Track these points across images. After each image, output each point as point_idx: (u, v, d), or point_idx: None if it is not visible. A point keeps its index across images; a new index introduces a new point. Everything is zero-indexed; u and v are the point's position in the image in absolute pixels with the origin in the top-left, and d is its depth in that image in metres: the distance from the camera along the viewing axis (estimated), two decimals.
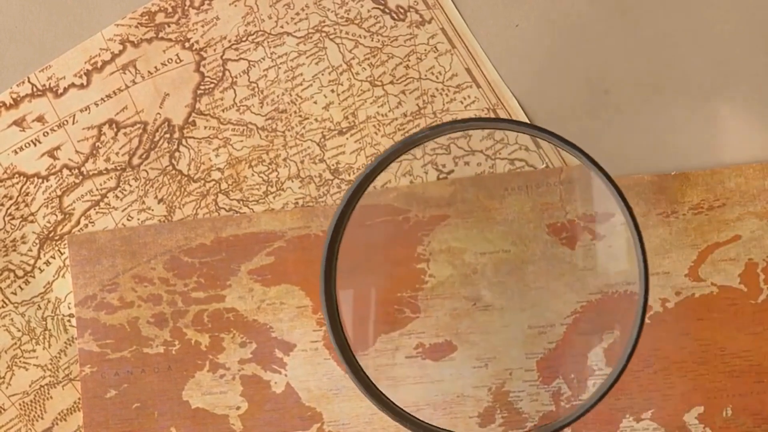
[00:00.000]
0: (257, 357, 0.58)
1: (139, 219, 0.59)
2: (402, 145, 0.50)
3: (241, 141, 0.59)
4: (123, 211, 0.59)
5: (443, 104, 0.58)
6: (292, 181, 0.59)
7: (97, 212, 0.59)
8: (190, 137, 0.59)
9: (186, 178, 0.59)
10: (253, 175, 0.59)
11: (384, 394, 0.50)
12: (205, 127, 0.59)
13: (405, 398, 0.54)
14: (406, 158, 0.57)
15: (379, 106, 0.59)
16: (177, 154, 0.59)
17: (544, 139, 0.50)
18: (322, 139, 0.59)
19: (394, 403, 0.50)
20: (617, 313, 0.54)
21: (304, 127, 0.59)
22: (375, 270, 0.56)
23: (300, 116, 0.59)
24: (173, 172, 0.59)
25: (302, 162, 0.59)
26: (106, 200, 0.59)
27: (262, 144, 0.59)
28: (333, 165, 0.59)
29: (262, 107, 0.59)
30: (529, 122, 0.56)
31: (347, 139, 0.59)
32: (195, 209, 0.59)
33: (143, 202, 0.59)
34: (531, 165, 0.57)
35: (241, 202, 0.59)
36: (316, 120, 0.59)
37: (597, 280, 0.52)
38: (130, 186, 0.59)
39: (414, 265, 0.56)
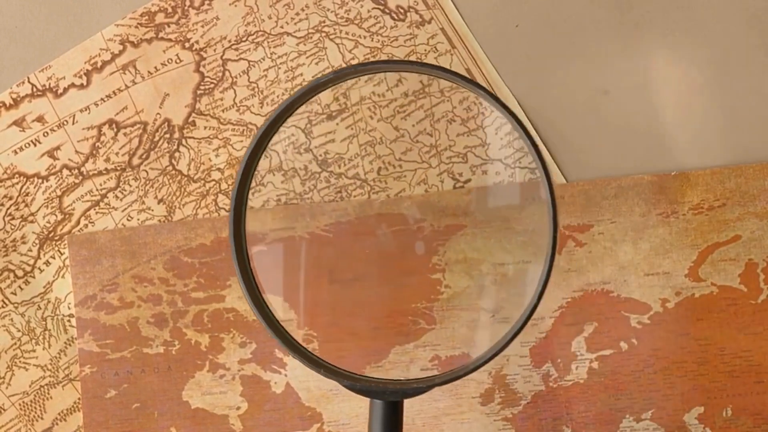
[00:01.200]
0: (257, 357, 0.58)
1: (139, 219, 0.59)
2: (308, 88, 0.49)
3: (241, 141, 0.59)
4: (123, 211, 0.59)
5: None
6: (273, 175, 0.58)
7: (97, 212, 0.59)
8: (190, 137, 0.59)
9: (186, 178, 0.59)
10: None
11: (284, 329, 0.51)
12: (205, 127, 0.59)
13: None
14: (421, 167, 0.57)
15: (375, 85, 0.57)
16: (177, 154, 0.59)
17: (445, 78, 0.50)
18: (308, 125, 0.58)
19: (300, 344, 0.51)
20: (595, 307, 0.57)
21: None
22: (388, 280, 0.56)
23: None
24: (173, 172, 0.59)
25: (285, 152, 0.58)
26: (106, 200, 0.59)
27: None
28: (320, 155, 0.58)
29: (262, 107, 0.59)
30: (428, 63, 0.56)
31: (337, 124, 0.58)
32: (195, 209, 0.59)
33: (143, 203, 0.59)
34: None
35: None
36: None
37: (579, 280, 0.57)
38: (130, 186, 0.59)
39: (429, 275, 0.56)
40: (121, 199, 0.59)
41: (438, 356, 0.57)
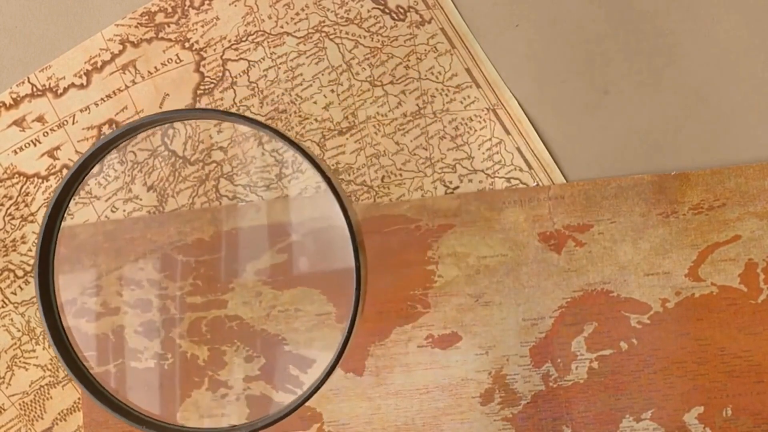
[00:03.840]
0: (266, 374, 0.56)
1: (125, 210, 0.58)
2: (106, 141, 0.48)
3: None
4: (106, 200, 0.58)
5: (443, 104, 0.59)
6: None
7: (76, 203, 0.56)
8: None
9: (181, 161, 0.58)
10: (263, 154, 0.58)
11: (85, 365, 0.49)
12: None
13: (417, 382, 0.58)
14: (418, 176, 0.58)
15: (379, 106, 0.59)
16: (171, 131, 0.58)
17: (240, 123, 0.49)
18: (322, 139, 0.59)
19: (123, 403, 0.49)
20: (595, 307, 0.58)
21: (304, 127, 0.59)
22: (391, 271, 0.58)
23: (300, 116, 0.59)
24: (166, 153, 0.58)
25: (301, 163, 0.58)
26: (86, 188, 0.57)
27: None
28: (333, 165, 0.59)
29: (261, 107, 0.59)
30: (222, 110, 0.54)
31: (347, 139, 0.59)
32: (191, 198, 0.58)
33: (130, 190, 0.58)
34: (524, 183, 0.59)
35: (248, 189, 0.58)
36: (316, 120, 0.59)
37: (579, 280, 0.58)
38: (115, 171, 0.58)
39: (425, 267, 0.58)
40: (104, 187, 0.58)
41: (432, 335, 0.58)
